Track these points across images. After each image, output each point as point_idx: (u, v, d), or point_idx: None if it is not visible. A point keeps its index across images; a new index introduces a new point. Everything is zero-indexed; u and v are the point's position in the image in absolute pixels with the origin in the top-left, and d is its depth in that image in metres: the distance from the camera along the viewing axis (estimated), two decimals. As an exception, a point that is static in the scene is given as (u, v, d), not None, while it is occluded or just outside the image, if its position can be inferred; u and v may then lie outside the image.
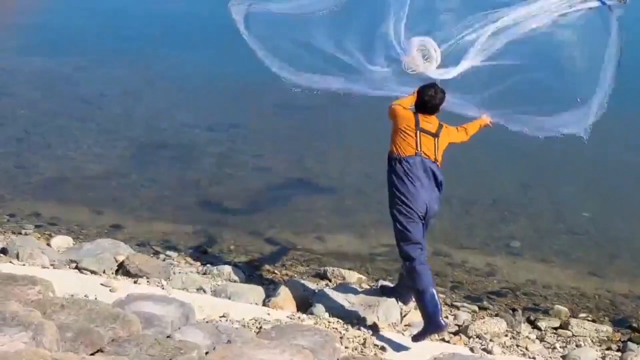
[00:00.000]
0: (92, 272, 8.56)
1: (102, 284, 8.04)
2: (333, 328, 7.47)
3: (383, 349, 7.28)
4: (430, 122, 7.43)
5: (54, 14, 23.16)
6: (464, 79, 8.09)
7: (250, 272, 9.87)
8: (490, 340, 8.04)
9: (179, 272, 9.09)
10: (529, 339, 8.48)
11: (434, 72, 8.04)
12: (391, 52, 8.32)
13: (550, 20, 8.02)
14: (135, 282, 8.39)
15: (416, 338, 7.28)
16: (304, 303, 8.31)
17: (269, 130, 15.21)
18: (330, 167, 13.63)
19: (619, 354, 8.33)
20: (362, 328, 7.63)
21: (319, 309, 7.94)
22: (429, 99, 7.41)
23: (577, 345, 8.49)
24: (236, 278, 9.25)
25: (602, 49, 7.95)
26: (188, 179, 13.04)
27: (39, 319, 5.41)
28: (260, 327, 7.24)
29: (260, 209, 12.11)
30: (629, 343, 8.64)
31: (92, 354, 5.49)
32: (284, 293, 8.31)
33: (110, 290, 7.86)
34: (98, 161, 13.58)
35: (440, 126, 7.49)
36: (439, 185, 7.37)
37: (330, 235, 11.33)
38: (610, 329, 9.07)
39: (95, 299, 7.27)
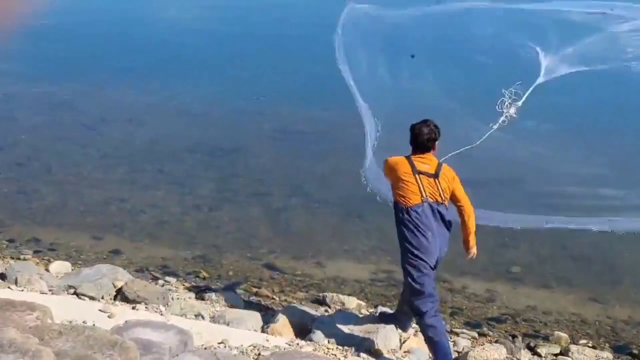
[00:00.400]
0: (91, 297, 8.54)
1: (100, 310, 8.00)
2: (332, 354, 7.43)
3: (382, 375, 7.26)
4: (426, 162, 7.17)
5: (55, 39, 23.25)
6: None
7: (249, 298, 9.86)
8: (491, 367, 7.99)
9: (178, 298, 9.06)
10: (529, 366, 8.44)
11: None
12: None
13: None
14: (133, 308, 8.35)
15: None
16: (303, 329, 8.27)
17: (269, 155, 15.22)
18: (329, 192, 13.62)
19: (620, 380, 8.29)
20: (361, 354, 7.59)
21: (318, 335, 7.90)
22: (421, 135, 7.19)
23: (577, 372, 8.45)
24: (235, 304, 9.22)
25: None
26: (187, 204, 13.05)
27: (36, 345, 5.39)
28: (259, 354, 7.20)
29: (259, 234, 12.10)
30: (629, 370, 8.61)
31: (89, 381, 5.46)
32: (283, 319, 8.27)
33: (108, 316, 7.83)
34: (98, 186, 13.60)
35: (439, 165, 7.20)
36: (447, 226, 7.14)
37: (330, 261, 11.32)
38: (610, 355, 9.04)
39: (94, 325, 7.23)
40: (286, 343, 7.69)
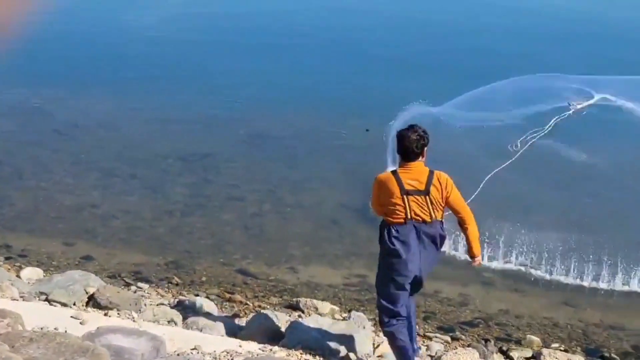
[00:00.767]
0: (62, 304, 8.47)
1: (72, 317, 7.92)
2: (305, 359, 7.42)
3: (356, 380, 7.25)
4: (415, 176, 6.63)
5: (29, 44, 23.06)
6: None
7: (222, 304, 9.84)
8: (463, 370, 8.02)
9: (150, 304, 9.01)
10: (501, 369, 8.49)
11: None
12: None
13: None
14: (105, 315, 8.28)
15: None
16: (277, 334, 8.25)
17: (242, 161, 15.20)
18: (303, 197, 13.64)
19: (591, 383, 8.36)
20: (334, 359, 7.59)
21: (292, 340, 7.88)
22: (409, 143, 6.61)
23: (549, 376, 8.51)
24: (208, 310, 9.17)
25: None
26: (160, 209, 13.00)
27: (7, 352, 5.34)
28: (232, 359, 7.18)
29: (232, 239, 12.08)
30: (600, 373, 8.69)
31: (60, 388, 5.41)
32: (256, 325, 8.26)
33: (80, 322, 7.75)
34: (70, 192, 13.52)
35: (431, 175, 6.67)
36: (437, 246, 6.74)
37: (303, 266, 11.33)
38: (582, 358, 9.14)
39: (65, 331, 7.16)
40: (259, 348, 7.66)
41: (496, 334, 9.66)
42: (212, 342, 7.62)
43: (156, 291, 10.05)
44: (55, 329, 7.27)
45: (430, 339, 9.15)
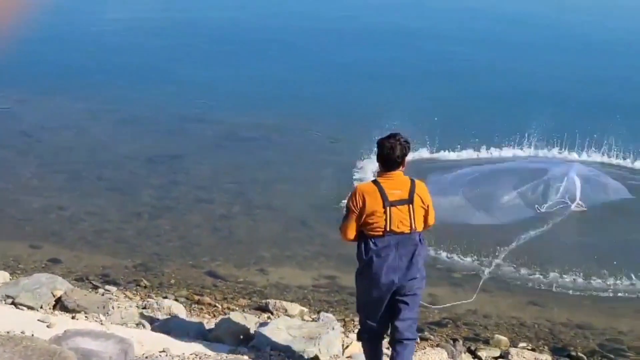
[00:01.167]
0: (29, 307, 8.37)
1: (39, 320, 7.86)
2: (274, 361, 7.42)
3: (325, 381, 7.26)
4: (398, 186, 6.43)
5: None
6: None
7: (191, 306, 9.80)
8: (432, 370, 8.07)
9: (118, 307, 8.94)
10: (470, 369, 8.54)
11: None
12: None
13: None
14: (73, 318, 8.21)
15: None
16: (246, 336, 8.23)
17: (211, 162, 15.17)
18: (272, 199, 13.63)
19: (558, 382, 8.44)
20: (304, 360, 7.60)
21: (261, 341, 7.86)
22: (392, 152, 6.39)
23: (517, 375, 8.58)
24: (176, 312, 9.15)
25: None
26: (128, 211, 12.93)
27: (-28, 357, 5.28)
28: (201, 362, 7.16)
29: (201, 241, 12.04)
30: (567, 372, 8.77)
31: (27, 392, 5.36)
32: (225, 326, 8.22)
33: (47, 326, 7.69)
34: (37, 194, 13.40)
35: (413, 184, 6.47)
36: (414, 257, 6.42)
37: (273, 268, 11.31)
38: (549, 357, 9.21)
39: (32, 335, 7.09)
40: (228, 350, 7.66)
41: (464, 333, 9.71)
42: (180, 345, 7.59)
43: (124, 294, 9.99)
44: (21, 332, 7.21)
45: (399, 339, 9.16)
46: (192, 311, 9.62)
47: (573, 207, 13.30)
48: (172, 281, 10.76)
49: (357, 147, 15.70)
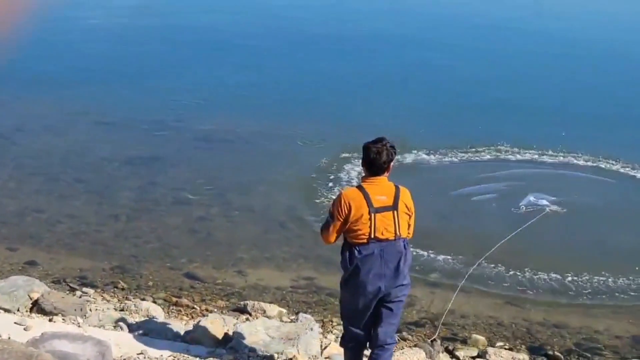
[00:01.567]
0: (6, 310, 8.34)
1: (15, 323, 7.83)
2: (253, 362, 7.44)
3: (303, 382, 7.28)
4: (383, 192, 6.36)
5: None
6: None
7: (169, 308, 9.78)
8: (410, 370, 8.11)
9: (96, 309, 8.93)
10: (448, 368, 8.59)
11: None
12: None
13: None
14: (50, 320, 8.19)
15: None
16: (224, 338, 8.24)
17: (189, 164, 15.14)
18: (251, 200, 13.62)
19: (535, 381, 8.50)
20: (282, 361, 7.61)
21: (239, 343, 7.88)
22: (379, 158, 6.33)
23: (494, 374, 8.63)
24: (154, 314, 9.14)
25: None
26: (106, 213, 12.88)
27: (-53, 360, 5.25)
28: (179, 364, 7.16)
29: (179, 243, 12.01)
30: (544, 370, 8.83)
31: (3, 395, 5.34)
32: (204, 328, 8.22)
33: (24, 328, 7.66)
34: (13, 196, 13.35)
35: (397, 190, 6.40)
36: (400, 263, 6.34)
37: (251, 269, 11.31)
38: (526, 357, 9.28)
39: (9, 338, 7.07)
40: (207, 352, 7.66)
41: (442, 333, 9.72)
42: (158, 347, 7.60)
43: (102, 296, 9.95)
44: (-2, 335, 7.18)
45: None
46: (170, 313, 9.60)
47: (550, 209, 13.42)
48: (150, 283, 10.73)
49: (336, 150, 15.77)
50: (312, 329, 8.43)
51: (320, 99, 19.75)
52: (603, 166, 15.84)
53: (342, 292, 6.61)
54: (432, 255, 11.66)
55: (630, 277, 11.41)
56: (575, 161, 16.07)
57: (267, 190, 14.03)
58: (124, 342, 7.61)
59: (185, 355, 7.42)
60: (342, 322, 6.90)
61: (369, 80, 21.87)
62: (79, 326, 8.04)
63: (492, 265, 11.43)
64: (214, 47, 24.89)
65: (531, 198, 13.81)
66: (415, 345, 8.98)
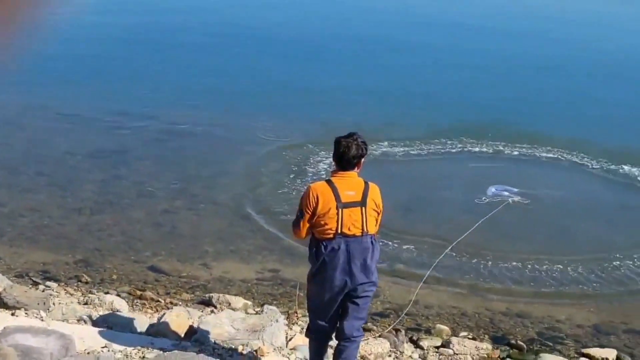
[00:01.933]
0: (-33, 305, 8.25)
1: (-23, 318, 7.75)
2: (218, 354, 7.41)
3: (268, 373, 7.28)
4: (352, 187, 6.33)
5: None
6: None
7: (134, 301, 9.73)
8: (374, 361, 8.16)
9: (59, 303, 8.84)
10: (412, 358, 8.65)
11: None
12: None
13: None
14: (12, 314, 8.09)
15: None
16: (189, 330, 8.22)
17: (153, 157, 15.07)
18: (215, 193, 13.59)
19: (499, 370, 8.59)
20: (247, 353, 7.60)
21: (204, 335, 7.86)
22: (348, 152, 6.29)
23: (458, 363, 8.72)
24: (119, 307, 9.09)
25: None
26: (69, 207, 12.78)
27: None
28: (144, 357, 7.12)
29: (144, 236, 11.96)
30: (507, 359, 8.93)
31: (-35, 390, 5.29)
32: (168, 321, 8.20)
33: (-14, 323, 7.59)
34: (-27, 191, 13.18)
35: (366, 187, 6.37)
36: (366, 260, 6.34)
37: (216, 262, 11.30)
38: (489, 346, 9.36)
39: (-30, 333, 7.00)
40: (171, 345, 7.63)
41: (407, 324, 9.80)
42: (123, 340, 7.55)
43: (65, 290, 9.87)
44: (-41, 330, 7.09)
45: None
46: (134, 306, 9.55)
47: (512, 200, 13.56)
48: (114, 276, 10.68)
49: (301, 143, 15.82)
50: (277, 321, 8.43)
51: (285, 94, 19.73)
52: (564, 158, 16.06)
53: (309, 286, 6.62)
54: (396, 247, 11.76)
55: (591, 267, 11.60)
56: (537, 153, 16.25)
57: (232, 183, 14.01)
58: (87, 335, 7.56)
59: (150, 349, 7.39)
60: (308, 315, 6.92)
61: (335, 76, 21.92)
62: (42, 320, 7.97)
63: (456, 256, 11.54)
64: (178, 44, 24.72)
65: (493, 189, 13.95)
66: (379, 336, 9.03)
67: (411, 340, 9.26)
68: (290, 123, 17.15)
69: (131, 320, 8.39)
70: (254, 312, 9.25)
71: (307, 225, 6.37)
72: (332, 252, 6.28)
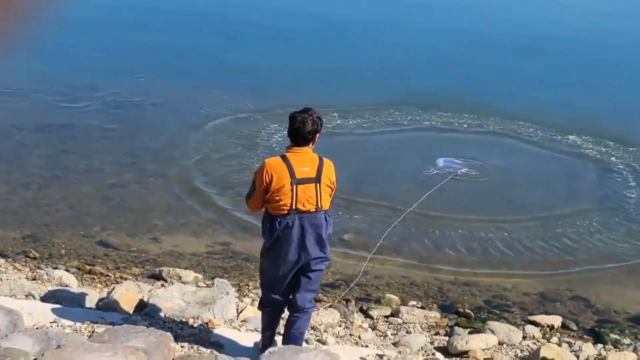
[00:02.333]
0: None
1: None
2: (168, 327, 7.41)
3: (219, 345, 7.29)
4: (306, 163, 6.32)
5: None
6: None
7: (83, 276, 9.67)
8: (325, 331, 8.23)
9: (7, 279, 8.79)
10: (362, 328, 8.74)
11: None
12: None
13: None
14: (-42, 291, 8.04)
15: None
16: (139, 304, 8.21)
17: (101, 131, 14.90)
18: (164, 167, 13.50)
19: (447, 338, 8.72)
20: (198, 326, 7.63)
21: (154, 309, 7.86)
22: (303, 127, 6.28)
23: (407, 332, 8.85)
24: (67, 283, 9.04)
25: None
26: (15, 182, 12.60)
27: None
28: (93, 331, 7.10)
29: (92, 211, 11.85)
30: (455, 328, 9.09)
31: None
32: (118, 295, 8.17)
33: None
34: None
35: (321, 163, 6.36)
36: (320, 235, 6.37)
37: (166, 236, 11.26)
38: (438, 315, 9.52)
39: None
40: (121, 319, 7.62)
41: (357, 294, 9.90)
42: (72, 315, 7.51)
43: (13, 265, 9.76)
44: None
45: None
46: (83, 281, 9.50)
47: (461, 171, 13.73)
48: (63, 251, 10.58)
49: (252, 116, 15.79)
50: (228, 293, 8.47)
51: (235, 70, 19.61)
52: (511, 130, 16.29)
53: (262, 260, 6.65)
54: (347, 218, 11.84)
55: (538, 236, 11.82)
56: (484, 125, 16.45)
57: (181, 156, 13.93)
58: (36, 311, 7.51)
59: (99, 323, 7.37)
60: (260, 288, 6.95)
61: (284, 49, 21.87)
62: (-11, 296, 7.91)
63: (406, 227, 11.67)
64: (126, 15, 24.40)
65: (442, 161, 14.10)
66: (330, 306, 9.11)
67: (361, 310, 9.37)
68: (241, 97, 17.07)
69: (80, 295, 8.36)
70: (205, 286, 9.26)
71: (261, 200, 6.38)
72: (287, 228, 6.30)
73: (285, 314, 6.80)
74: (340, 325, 8.61)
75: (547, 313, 9.77)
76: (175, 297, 8.12)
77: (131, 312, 8.00)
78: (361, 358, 7.26)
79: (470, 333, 8.81)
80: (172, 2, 26.93)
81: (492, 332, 8.77)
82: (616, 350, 8.72)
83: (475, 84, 19.35)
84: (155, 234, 11.30)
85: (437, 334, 8.99)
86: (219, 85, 17.92)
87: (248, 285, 9.80)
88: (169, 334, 6.40)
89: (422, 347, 8.32)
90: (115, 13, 24.61)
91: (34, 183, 12.58)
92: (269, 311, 6.77)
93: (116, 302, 8.05)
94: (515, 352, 8.50)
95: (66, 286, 8.88)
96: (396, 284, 10.37)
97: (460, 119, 16.58)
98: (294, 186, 6.24)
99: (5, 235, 10.93)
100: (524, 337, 8.92)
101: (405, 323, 9.10)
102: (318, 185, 6.30)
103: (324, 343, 7.84)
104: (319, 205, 6.32)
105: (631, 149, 15.56)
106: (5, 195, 12.14)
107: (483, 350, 8.27)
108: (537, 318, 9.52)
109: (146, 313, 7.84)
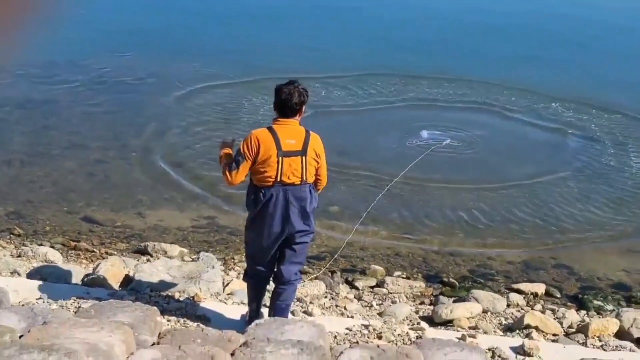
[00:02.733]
0: None
1: None
2: (154, 302, 7.44)
3: (206, 319, 7.32)
4: (293, 135, 6.31)
5: None
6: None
7: (68, 252, 9.66)
8: (310, 302, 8.27)
9: (-8, 257, 8.76)
10: (348, 298, 8.79)
11: None
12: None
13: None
14: (-57, 269, 8.02)
15: None
16: (125, 280, 8.24)
17: (84, 107, 14.85)
18: (148, 141, 13.47)
19: (432, 307, 8.78)
20: (184, 300, 7.66)
21: (140, 284, 7.89)
22: (290, 99, 6.26)
23: (392, 302, 8.90)
24: (53, 259, 9.03)
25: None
26: (-2, 158, 12.56)
27: None
28: (79, 307, 7.10)
29: (76, 187, 11.82)
30: (440, 297, 9.16)
31: None
32: (104, 271, 8.20)
33: None
34: None
35: (307, 135, 6.36)
36: (305, 208, 6.40)
37: (150, 211, 11.25)
38: (423, 284, 9.58)
39: None
40: (107, 294, 7.63)
41: (342, 265, 9.96)
42: (58, 291, 7.53)
43: (-3, 243, 9.76)
44: None
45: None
46: (69, 257, 9.49)
47: (445, 142, 13.78)
48: (47, 228, 10.56)
49: (236, 90, 15.77)
50: (213, 267, 8.51)
51: (219, 46, 19.57)
52: (494, 99, 16.34)
53: (247, 233, 6.68)
54: (331, 191, 11.83)
55: (521, 205, 11.90)
56: (467, 97, 16.50)
57: (163, 130, 13.91)
58: (22, 288, 7.52)
59: (85, 299, 7.38)
60: (245, 260, 6.98)
61: (278, 21, 21.84)
62: (-26, 274, 7.91)
63: (390, 198, 11.70)
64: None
65: (426, 133, 14.14)
66: (315, 278, 9.15)
67: (346, 282, 9.43)
68: (223, 72, 17.05)
69: (66, 271, 8.36)
70: (190, 260, 9.27)
71: (245, 171, 6.36)
72: (271, 200, 6.32)
73: (271, 285, 6.84)
74: (325, 297, 8.66)
75: (531, 281, 9.85)
76: (161, 272, 8.16)
77: (117, 287, 8.02)
78: (347, 329, 7.30)
79: (455, 302, 8.87)
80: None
81: (477, 300, 8.83)
82: (599, 317, 8.80)
83: (459, 56, 19.36)
84: (140, 209, 11.29)
85: (422, 303, 9.05)
86: (201, 61, 17.89)
87: (233, 258, 9.81)
88: (155, 308, 6.42)
89: (407, 317, 8.37)
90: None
91: (16, 160, 12.53)
92: (254, 283, 6.81)
93: (102, 278, 8.07)
94: (500, 319, 8.56)
95: (51, 263, 8.88)
96: (381, 255, 10.43)
97: (443, 90, 16.61)
98: (280, 158, 6.23)
99: (-11, 212, 10.91)
100: (508, 305, 8.99)
101: (391, 293, 9.16)
102: (304, 158, 6.30)
103: (310, 314, 7.88)
104: (304, 178, 6.34)
105: (612, 116, 15.67)
106: (-12, 172, 12.10)
107: (468, 318, 8.33)
108: (521, 286, 9.60)
109: (132, 288, 7.87)
